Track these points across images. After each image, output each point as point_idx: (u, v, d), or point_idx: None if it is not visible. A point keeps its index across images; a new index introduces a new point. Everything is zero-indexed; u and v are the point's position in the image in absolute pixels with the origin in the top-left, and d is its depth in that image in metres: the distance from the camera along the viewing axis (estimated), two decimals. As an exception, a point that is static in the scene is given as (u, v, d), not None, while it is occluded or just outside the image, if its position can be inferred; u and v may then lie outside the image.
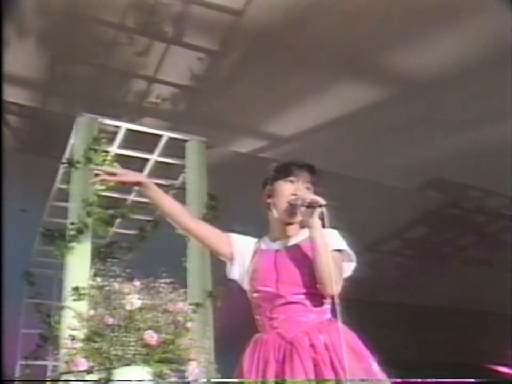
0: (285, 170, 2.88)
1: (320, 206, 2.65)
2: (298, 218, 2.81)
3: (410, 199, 10.33)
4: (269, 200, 2.88)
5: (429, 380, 2.63)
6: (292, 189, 2.81)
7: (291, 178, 2.83)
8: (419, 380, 2.63)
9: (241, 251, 2.87)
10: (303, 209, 2.72)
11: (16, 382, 6.70)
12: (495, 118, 7.85)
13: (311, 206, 2.69)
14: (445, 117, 8.08)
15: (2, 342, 3.02)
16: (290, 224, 2.85)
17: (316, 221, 2.68)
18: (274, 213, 2.85)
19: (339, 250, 2.77)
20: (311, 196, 2.72)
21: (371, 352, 2.65)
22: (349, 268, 2.81)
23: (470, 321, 14.18)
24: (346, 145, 8.61)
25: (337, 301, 2.55)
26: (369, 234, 10.72)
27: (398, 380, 2.65)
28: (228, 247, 2.88)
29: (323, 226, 2.69)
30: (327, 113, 8.00)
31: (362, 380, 2.52)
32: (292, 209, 2.78)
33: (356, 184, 9.08)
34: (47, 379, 7.61)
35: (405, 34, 6.76)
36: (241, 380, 2.66)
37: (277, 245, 2.85)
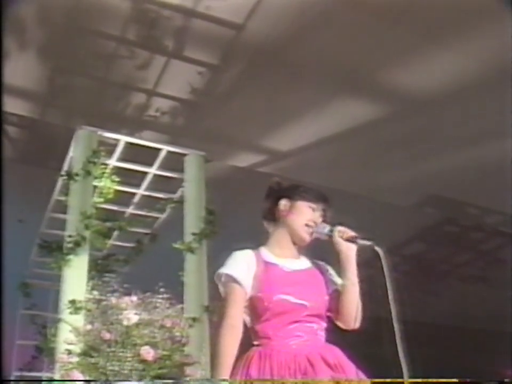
0: (309, 195, 2.89)
1: (372, 246, 2.72)
2: (307, 242, 2.85)
3: (408, 216, 10.33)
4: (285, 214, 2.88)
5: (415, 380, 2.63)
6: (311, 215, 2.84)
7: (314, 205, 2.86)
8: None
9: (248, 271, 2.76)
10: (341, 241, 2.77)
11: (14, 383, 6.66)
12: (493, 136, 7.86)
13: (352, 241, 2.77)
14: (443, 134, 8.09)
15: (2, 341, 3.00)
16: (296, 243, 2.87)
17: (354, 256, 2.78)
18: (288, 229, 2.86)
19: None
20: (349, 231, 2.78)
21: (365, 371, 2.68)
22: None
23: (467, 338, 14.14)
24: (345, 161, 8.62)
25: (396, 326, 2.71)
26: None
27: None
28: (244, 293, 2.73)
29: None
30: (325, 128, 8.01)
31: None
32: (311, 232, 2.83)
33: (353, 200, 9.07)
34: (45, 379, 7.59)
35: (404, 51, 6.78)
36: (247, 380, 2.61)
37: (286, 263, 2.81)
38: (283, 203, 2.89)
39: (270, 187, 3.01)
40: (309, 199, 2.86)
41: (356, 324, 2.74)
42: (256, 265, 2.78)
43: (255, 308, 2.73)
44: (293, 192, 2.91)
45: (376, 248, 2.67)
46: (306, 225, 2.82)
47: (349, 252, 2.77)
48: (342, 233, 2.77)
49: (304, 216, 2.83)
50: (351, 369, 2.59)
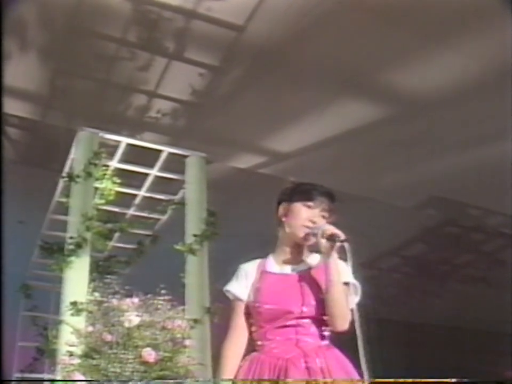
0: (305, 193, 2.83)
1: (342, 241, 2.62)
2: (311, 242, 2.79)
3: (409, 217, 10.33)
4: (284, 219, 2.85)
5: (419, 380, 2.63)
6: (308, 214, 2.78)
7: (310, 203, 2.80)
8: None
9: (246, 281, 2.84)
10: (323, 240, 2.69)
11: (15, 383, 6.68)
12: (494, 137, 7.86)
13: (331, 239, 2.66)
14: (444, 136, 8.09)
15: (2, 343, 3.00)
16: (300, 246, 2.83)
17: (334, 255, 2.67)
18: (287, 232, 2.83)
19: (346, 283, 2.75)
20: (332, 229, 2.68)
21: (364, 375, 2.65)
22: (353, 302, 2.77)
23: (467, 340, 14.15)
24: (346, 162, 8.62)
25: (358, 326, 2.54)
26: (367, 251, 10.71)
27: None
28: (244, 307, 2.83)
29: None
30: (326, 130, 8.00)
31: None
32: (307, 234, 2.76)
33: (354, 202, 9.07)
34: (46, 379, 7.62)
35: (405, 52, 6.77)
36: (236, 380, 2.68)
37: (282, 269, 2.83)
38: (281, 207, 2.88)
39: (281, 190, 2.97)
40: (304, 198, 2.81)
41: (342, 326, 2.63)
42: (255, 275, 2.84)
43: (251, 315, 2.80)
44: (291, 193, 2.88)
45: (345, 244, 2.60)
46: (304, 225, 2.77)
47: (328, 251, 2.67)
48: (323, 231, 2.69)
49: (301, 216, 2.79)
50: (339, 373, 2.54)
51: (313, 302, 2.69)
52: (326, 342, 2.72)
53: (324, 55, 6.78)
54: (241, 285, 2.83)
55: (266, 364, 2.63)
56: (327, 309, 2.65)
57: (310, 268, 2.81)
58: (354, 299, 2.78)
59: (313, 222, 2.77)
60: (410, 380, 2.61)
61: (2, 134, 6.83)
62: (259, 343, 2.75)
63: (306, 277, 2.77)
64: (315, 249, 2.81)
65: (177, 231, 6.76)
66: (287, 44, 6.60)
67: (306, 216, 2.78)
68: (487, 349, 13.30)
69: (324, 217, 2.79)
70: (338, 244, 2.64)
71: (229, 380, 2.69)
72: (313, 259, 2.83)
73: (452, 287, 12.92)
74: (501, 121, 7.23)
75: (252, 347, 2.78)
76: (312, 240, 2.76)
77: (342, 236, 2.63)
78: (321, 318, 2.69)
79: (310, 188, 2.86)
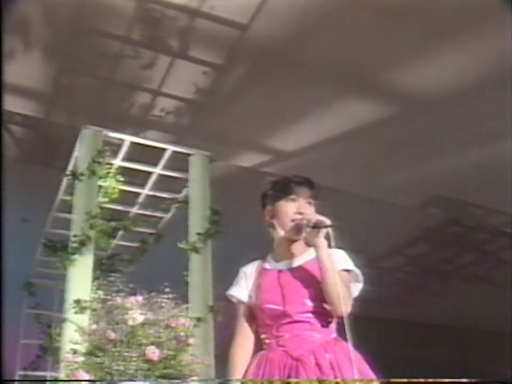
0: (284, 189, 2.84)
1: (326, 226, 2.64)
2: (303, 234, 2.77)
3: (412, 216, 10.33)
4: (272, 221, 2.85)
5: (423, 380, 2.62)
6: (294, 207, 2.79)
7: (292, 196, 2.80)
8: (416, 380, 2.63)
9: (246, 283, 2.87)
10: (308, 229, 2.70)
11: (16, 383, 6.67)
12: (497, 136, 7.86)
13: (316, 226, 2.66)
14: (446, 135, 8.09)
15: (2, 342, 3.01)
16: (296, 241, 2.82)
17: (322, 242, 2.66)
18: (280, 232, 2.82)
19: (347, 271, 2.75)
20: (316, 217, 2.70)
21: (373, 371, 2.64)
22: (356, 289, 2.79)
23: (470, 339, 14.14)
24: (349, 161, 8.62)
25: (346, 320, 2.54)
26: (370, 250, 10.70)
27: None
28: (248, 307, 2.86)
29: (329, 246, 2.68)
30: (329, 129, 8.02)
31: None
32: (297, 227, 2.75)
33: (357, 201, 9.08)
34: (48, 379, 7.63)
35: (408, 52, 6.78)
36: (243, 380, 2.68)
37: (282, 265, 2.82)
38: (267, 211, 2.89)
39: (261, 195, 2.97)
40: (285, 194, 2.82)
41: (344, 310, 2.56)
42: (254, 275, 2.87)
43: (255, 314, 2.82)
44: (270, 195, 2.88)
45: (329, 230, 2.62)
46: (293, 219, 2.77)
47: (315, 239, 2.68)
48: (308, 220, 2.70)
49: (288, 212, 2.79)
50: (349, 369, 2.50)
51: (314, 295, 2.68)
52: (334, 335, 2.70)
53: (327, 53, 6.79)
54: (242, 287, 2.86)
55: (276, 363, 2.62)
56: (326, 296, 2.63)
57: (307, 262, 2.80)
58: (357, 286, 2.79)
59: (301, 213, 2.77)
60: (423, 380, 2.60)
61: (2, 131, 6.83)
62: (267, 341, 2.73)
63: (305, 270, 2.77)
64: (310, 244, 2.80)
65: (181, 229, 6.76)
66: (290, 42, 6.62)
67: (293, 210, 2.79)
68: (489, 348, 13.28)
69: (309, 203, 2.81)
70: (323, 230, 2.64)
71: (239, 380, 2.69)
72: (311, 253, 2.80)
73: (454, 286, 12.92)
74: (502, 121, 7.23)
75: (260, 345, 2.78)
76: (303, 231, 2.75)
77: (326, 221, 2.65)
78: (324, 310, 2.68)
79: (287, 181, 2.86)
